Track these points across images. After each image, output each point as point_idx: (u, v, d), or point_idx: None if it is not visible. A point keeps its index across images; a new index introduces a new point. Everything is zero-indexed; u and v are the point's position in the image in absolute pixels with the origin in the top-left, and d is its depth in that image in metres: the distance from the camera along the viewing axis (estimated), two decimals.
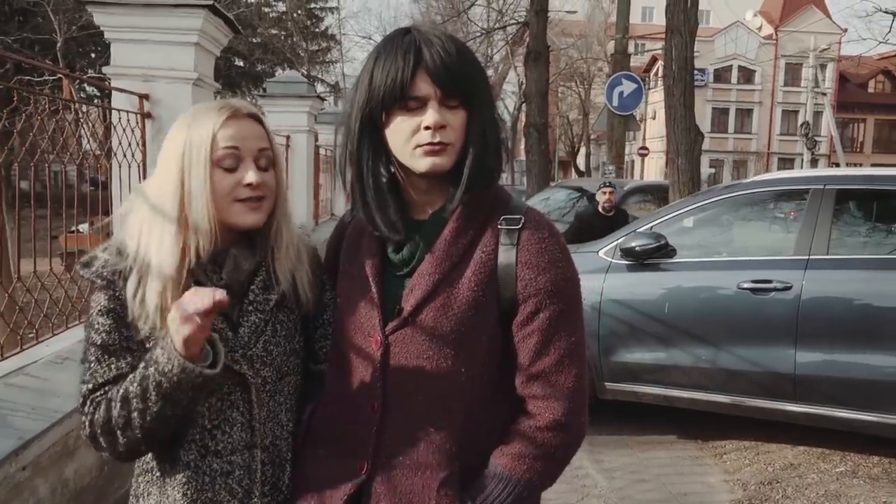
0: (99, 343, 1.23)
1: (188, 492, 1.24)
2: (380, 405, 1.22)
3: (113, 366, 1.22)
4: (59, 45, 13.93)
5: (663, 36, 7.93)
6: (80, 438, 2.62)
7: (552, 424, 1.21)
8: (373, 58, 1.22)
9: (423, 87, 1.18)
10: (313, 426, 1.32)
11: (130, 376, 1.19)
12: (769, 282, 4.10)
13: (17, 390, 2.46)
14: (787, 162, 42.75)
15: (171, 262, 1.22)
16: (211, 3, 3.66)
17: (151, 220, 1.25)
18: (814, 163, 32.04)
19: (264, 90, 9.38)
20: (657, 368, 4.39)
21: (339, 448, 1.26)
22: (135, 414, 1.17)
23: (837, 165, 30.88)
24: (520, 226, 1.23)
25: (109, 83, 3.81)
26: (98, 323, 1.23)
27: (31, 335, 2.76)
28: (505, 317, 1.23)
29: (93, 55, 21.64)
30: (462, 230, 1.23)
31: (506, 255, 1.21)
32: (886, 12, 16.73)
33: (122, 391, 1.18)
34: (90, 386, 1.22)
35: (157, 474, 1.28)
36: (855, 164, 38.02)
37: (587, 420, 1.26)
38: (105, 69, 3.85)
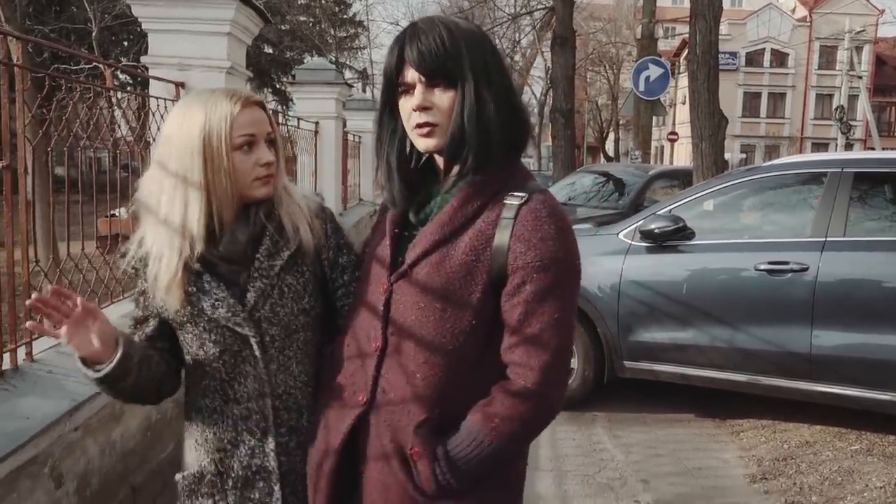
0: (134, 315, 1.60)
1: (217, 431, 1.52)
2: (380, 345, 1.36)
3: (139, 330, 1.58)
4: (94, 34, 14.23)
5: None
6: (125, 404, 2.82)
7: (523, 391, 1.29)
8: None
9: (409, 73, 1.32)
10: (331, 364, 1.48)
11: None
12: (786, 263, 4.17)
13: (67, 357, 2.65)
14: (820, 146, 41.89)
15: (196, 224, 1.44)
16: None
17: (175, 189, 1.46)
18: (848, 147, 31.44)
19: (293, 77, 9.56)
20: (675, 348, 4.49)
21: (348, 382, 1.41)
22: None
23: (873, 150, 30.33)
24: (522, 202, 1.32)
25: (146, 71, 3.99)
26: (136, 301, 1.58)
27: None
28: (497, 285, 1.31)
29: (126, 43, 22.02)
30: (468, 200, 1.34)
31: (503, 228, 1.31)
32: None
33: None
34: None
35: (188, 422, 1.59)
36: (892, 149, 37.24)
37: (562, 395, 1.35)
38: (143, 58, 4.04)
